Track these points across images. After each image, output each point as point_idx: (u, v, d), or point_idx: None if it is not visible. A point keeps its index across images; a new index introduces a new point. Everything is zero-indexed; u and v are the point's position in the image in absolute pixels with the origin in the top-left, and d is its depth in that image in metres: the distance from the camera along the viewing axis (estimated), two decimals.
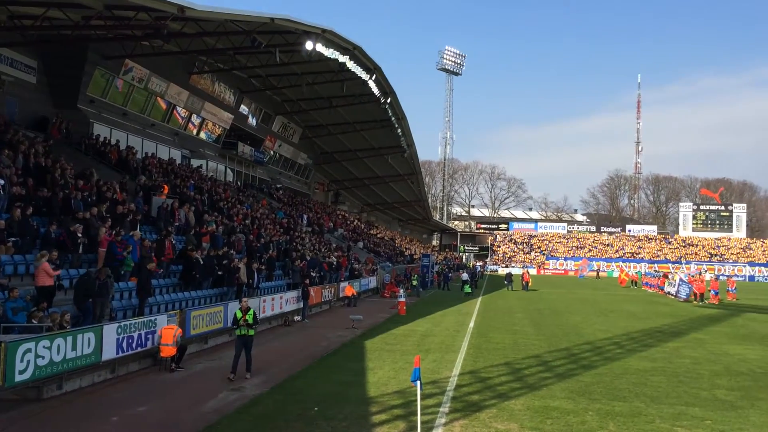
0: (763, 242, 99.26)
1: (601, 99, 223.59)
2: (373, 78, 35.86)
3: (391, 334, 20.92)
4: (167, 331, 14.30)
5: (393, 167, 58.59)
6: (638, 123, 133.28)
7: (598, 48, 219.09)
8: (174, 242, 20.03)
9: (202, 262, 19.56)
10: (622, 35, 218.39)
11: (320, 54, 29.26)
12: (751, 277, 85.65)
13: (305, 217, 43.81)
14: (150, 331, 14.31)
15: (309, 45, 27.63)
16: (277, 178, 50.77)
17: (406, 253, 63.34)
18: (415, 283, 41.81)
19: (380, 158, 56.38)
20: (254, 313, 13.87)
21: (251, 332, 13.69)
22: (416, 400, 9.54)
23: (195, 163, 37.04)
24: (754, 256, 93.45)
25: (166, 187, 25.19)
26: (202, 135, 38.86)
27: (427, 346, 18.12)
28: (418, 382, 9.41)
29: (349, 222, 57.56)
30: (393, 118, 44.42)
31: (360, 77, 34.97)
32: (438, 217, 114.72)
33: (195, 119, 37.32)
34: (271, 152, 48.85)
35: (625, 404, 11.58)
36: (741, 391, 12.95)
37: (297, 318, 24.20)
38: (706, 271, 63.65)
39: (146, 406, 11.22)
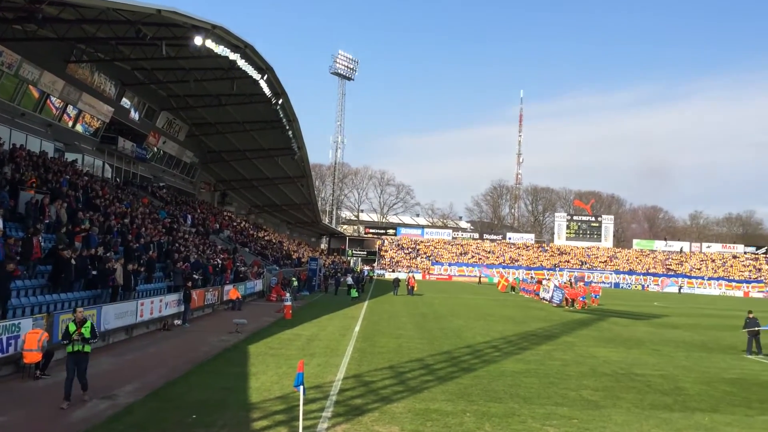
0: (627, 252, 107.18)
1: (487, 111, 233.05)
2: (265, 78, 35.33)
3: (276, 338, 20.65)
4: (32, 336, 13.29)
5: (283, 169, 57.93)
6: (520, 136, 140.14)
7: (487, 61, 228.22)
8: (42, 241, 18.71)
9: (73, 263, 18.39)
10: (508, 50, 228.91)
11: (210, 50, 28.46)
12: (616, 284, 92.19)
13: (189, 217, 42.37)
14: (12, 336, 13.26)
15: (198, 40, 26.83)
16: (160, 176, 48.81)
17: (294, 257, 62.78)
18: (295, 284, 41.14)
19: (270, 160, 55.59)
20: (92, 325, 11.76)
21: (87, 348, 11.53)
22: (299, 405, 9.47)
23: (70, 157, 34.74)
24: (618, 265, 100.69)
25: (35, 181, 23.49)
26: (79, 128, 36.63)
27: (312, 351, 18.02)
28: (301, 387, 9.34)
29: (235, 224, 56.28)
30: (284, 120, 43.97)
31: (251, 76, 34.33)
32: (327, 220, 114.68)
33: (71, 110, 35.12)
34: (155, 149, 46.89)
35: (500, 405, 12.06)
36: (605, 391, 13.86)
37: (177, 322, 23.32)
38: (578, 280, 67.64)
39: (6, 416, 10.37)
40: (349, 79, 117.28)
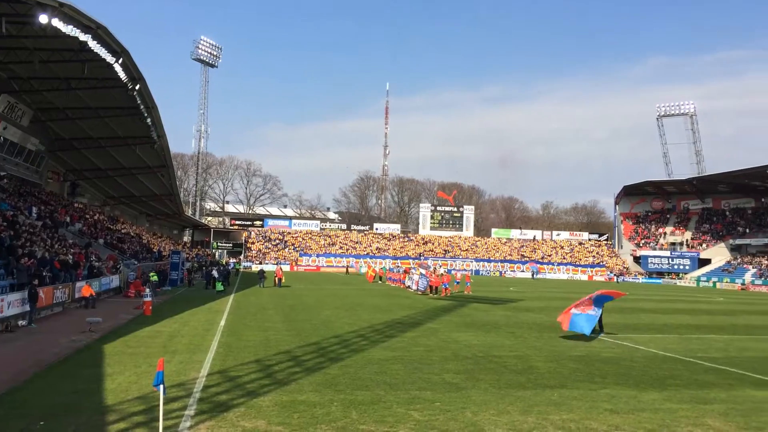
0: (487, 240, 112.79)
1: (356, 103, 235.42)
2: (120, 62, 33.29)
3: (134, 336, 19.63)
4: None
5: (141, 159, 55.01)
6: (386, 128, 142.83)
7: (355, 54, 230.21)
8: None
9: None
10: (375, 43, 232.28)
11: (57, 30, 26.38)
12: (477, 271, 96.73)
13: (35, 209, 39.15)
14: None
15: (43, 18, 24.83)
16: (0, 165, 44.60)
17: (155, 250, 59.98)
18: (154, 278, 39.15)
19: (127, 148, 52.53)
20: None
21: None
22: (159, 405, 9.08)
23: None
24: (478, 252, 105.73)
25: None
26: None
27: (174, 347, 17.33)
28: (161, 385, 8.96)
29: (88, 216, 52.76)
30: (142, 107, 41.71)
31: (104, 59, 32.22)
32: (190, 212, 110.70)
33: None
34: None
35: (367, 393, 12.27)
36: (465, 374, 14.51)
37: (22, 323, 21.49)
38: (441, 266, 70.40)
39: None
40: (212, 66, 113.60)
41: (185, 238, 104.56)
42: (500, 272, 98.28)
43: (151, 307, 26.36)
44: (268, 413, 10.59)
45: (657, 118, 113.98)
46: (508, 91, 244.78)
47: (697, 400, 12.52)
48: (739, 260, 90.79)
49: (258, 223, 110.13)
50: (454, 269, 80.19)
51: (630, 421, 10.77)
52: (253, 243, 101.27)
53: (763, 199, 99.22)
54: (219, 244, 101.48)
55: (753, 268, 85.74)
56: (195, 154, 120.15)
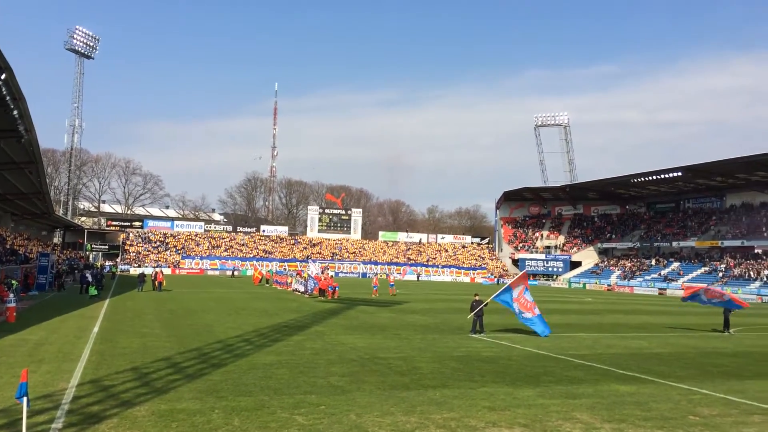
0: (374, 243, 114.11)
1: (245, 102, 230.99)
2: None
3: None
4: None
5: (6, 154, 50.79)
6: (275, 129, 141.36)
7: (243, 52, 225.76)
8: None
9: None
10: (265, 41, 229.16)
11: None
12: (364, 274, 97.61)
13: None
14: None
15: None
16: None
17: (20, 252, 55.70)
18: (15, 284, 36.26)
19: None
20: None
21: None
22: (22, 419, 8.43)
23: None
24: (366, 255, 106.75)
25: None
26: None
27: (40, 357, 16.16)
28: (25, 398, 8.33)
29: None
30: (8, 98, 38.53)
31: None
32: (62, 212, 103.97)
33: None
34: None
35: (250, 399, 12.02)
36: (350, 377, 14.58)
37: None
38: (327, 269, 70.44)
39: None
40: (88, 57, 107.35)
41: (56, 240, 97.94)
42: (387, 275, 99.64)
43: (15, 314, 24.49)
44: (144, 423, 10.11)
45: (535, 128, 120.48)
46: (399, 96, 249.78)
47: (567, 395, 13.29)
48: (605, 263, 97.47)
49: (137, 224, 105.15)
50: (385, 273, 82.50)
51: (506, 417, 11.25)
52: (131, 245, 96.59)
53: (627, 206, 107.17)
54: (93, 246, 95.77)
55: (618, 270, 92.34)
56: (68, 150, 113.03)
